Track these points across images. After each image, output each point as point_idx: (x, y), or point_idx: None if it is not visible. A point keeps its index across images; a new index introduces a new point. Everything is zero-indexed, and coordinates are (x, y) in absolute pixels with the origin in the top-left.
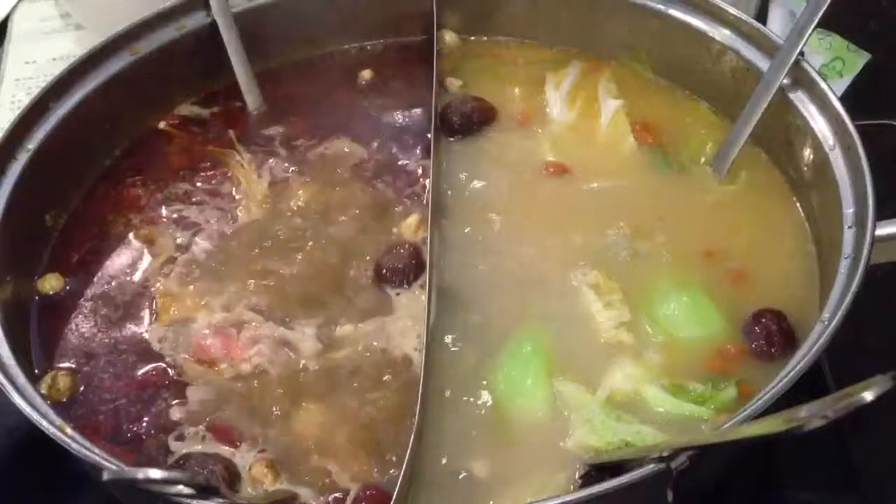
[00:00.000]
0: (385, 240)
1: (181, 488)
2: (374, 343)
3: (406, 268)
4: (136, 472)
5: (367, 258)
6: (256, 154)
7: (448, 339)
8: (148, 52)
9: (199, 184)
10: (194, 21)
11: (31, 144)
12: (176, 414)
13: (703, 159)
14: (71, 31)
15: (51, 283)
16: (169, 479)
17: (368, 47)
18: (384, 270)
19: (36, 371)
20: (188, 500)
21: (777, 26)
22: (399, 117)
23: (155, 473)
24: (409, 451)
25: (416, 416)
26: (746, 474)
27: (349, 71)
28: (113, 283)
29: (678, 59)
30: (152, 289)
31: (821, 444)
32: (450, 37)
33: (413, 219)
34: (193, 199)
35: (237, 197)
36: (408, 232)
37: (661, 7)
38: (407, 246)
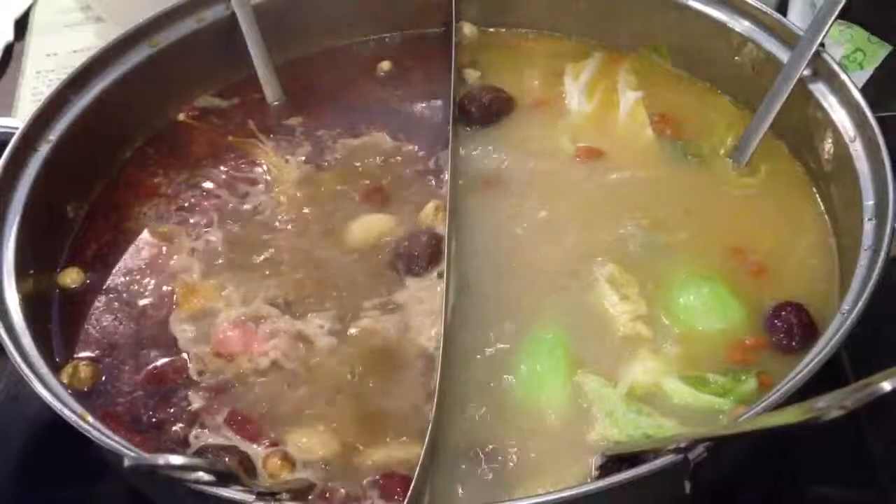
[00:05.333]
0: (404, 228)
1: (201, 475)
2: (392, 334)
3: (424, 254)
4: (156, 459)
5: (387, 247)
6: (279, 143)
7: (466, 329)
8: (168, 44)
9: (222, 174)
10: (214, 13)
11: (53, 136)
12: (194, 406)
13: (722, 151)
14: (91, 23)
15: (71, 277)
16: (189, 466)
17: (387, 39)
18: (403, 257)
19: (57, 360)
20: (208, 487)
21: (797, 17)
22: (417, 108)
23: (176, 459)
24: (426, 441)
25: (434, 407)
26: (765, 467)
27: (368, 62)
28: (133, 276)
29: (698, 51)
30: (172, 281)
31: (840, 439)
32: (468, 28)
33: (430, 206)
34: (215, 190)
35: (268, 185)
36: (426, 219)
37: None
38: (426, 232)
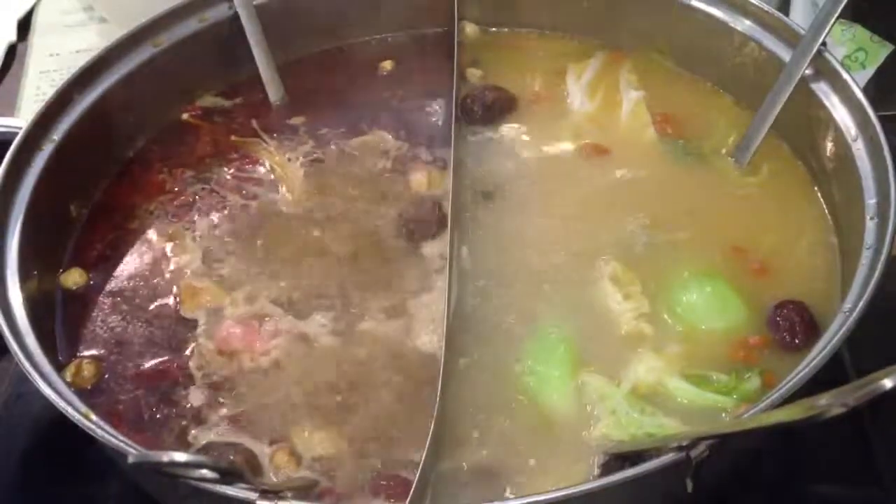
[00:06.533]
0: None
1: (205, 472)
2: (395, 335)
3: (431, 221)
4: (160, 456)
5: (388, 245)
6: (282, 143)
7: (469, 329)
8: (170, 44)
9: (225, 174)
10: (216, 13)
11: (56, 135)
12: (197, 403)
13: (724, 150)
14: (94, 24)
15: (73, 279)
16: (193, 463)
17: (389, 39)
18: (408, 224)
19: (60, 359)
20: (212, 485)
21: (799, 17)
22: (420, 107)
23: (180, 457)
24: (429, 439)
25: (437, 405)
26: (767, 466)
27: (370, 62)
28: (137, 275)
29: (700, 50)
30: (176, 279)
31: (840, 438)
32: (470, 28)
33: (422, 174)
34: (218, 189)
35: (271, 184)
36: (420, 187)
37: None
38: (428, 199)
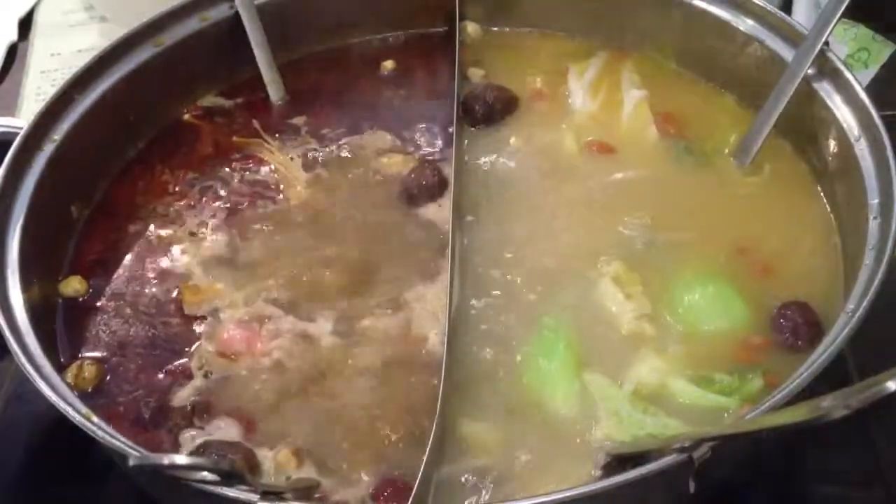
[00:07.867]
0: (409, 227)
1: (206, 474)
2: (396, 334)
3: (429, 185)
4: (161, 458)
5: (390, 244)
6: (284, 142)
7: (471, 328)
8: (171, 43)
9: (227, 174)
10: (217, 13)
11: (57, 135)
12: (198, 405)
13: (726, 150)
14: (95, 23)
15: (73, 287)
16: (194, 466)
17: (390, 38)
18: (411, 189)
19: (62, 360)
20: (212, 487)
21: (802, 16)
22: (421, 107)
23: (180, 459)
24: (430, 441)
25: (438, 408)
26: (770, 466)
27: (371, 62)
28: (138, 276)
29: (702, 50)
30: (177, 281)
31: (844, 438)
32: (472, 28)
33: (398, 158)
34: (220, 190)
35: (273, 184)
36: (391, 168)
37: None
38: (429, 165)
